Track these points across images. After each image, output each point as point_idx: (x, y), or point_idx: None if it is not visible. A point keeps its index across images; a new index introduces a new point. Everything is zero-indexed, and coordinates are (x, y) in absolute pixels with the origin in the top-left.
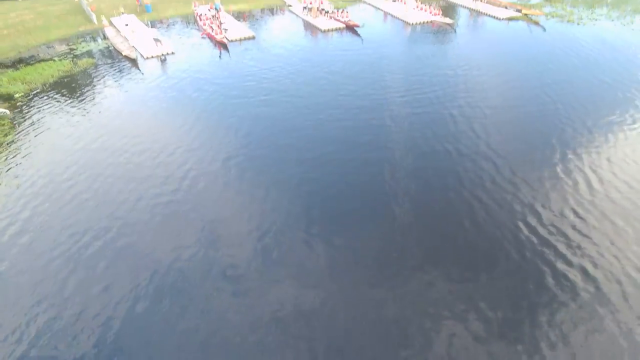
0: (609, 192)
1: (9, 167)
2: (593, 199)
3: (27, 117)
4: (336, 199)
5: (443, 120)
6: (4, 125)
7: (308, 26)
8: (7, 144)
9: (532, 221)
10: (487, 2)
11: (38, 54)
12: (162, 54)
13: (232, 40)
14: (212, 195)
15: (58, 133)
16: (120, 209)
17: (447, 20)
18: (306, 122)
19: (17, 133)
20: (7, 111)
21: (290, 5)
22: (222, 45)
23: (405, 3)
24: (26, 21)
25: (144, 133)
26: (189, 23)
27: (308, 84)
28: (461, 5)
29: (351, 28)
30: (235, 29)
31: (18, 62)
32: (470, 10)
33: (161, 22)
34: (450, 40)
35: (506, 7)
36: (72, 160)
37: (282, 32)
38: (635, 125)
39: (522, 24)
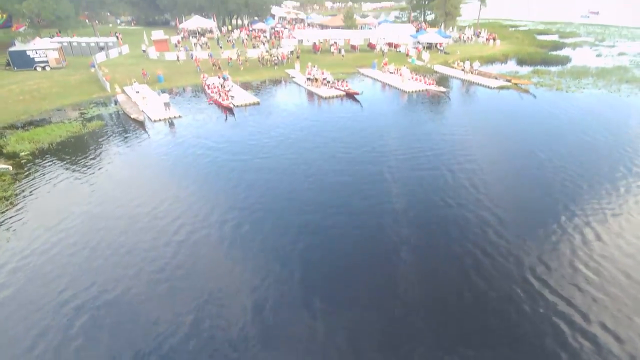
0: (613, 246)
1: (2, 220)
2: (599, 252)
3: (29, 174)
4: (338, 267)
5: (442, 177)
6: (4, 181)
7: (310, 94)
8: (5, 198)
9: (540, 277)
10: (478, 74)
11: (50, 118)
12: (170, 117)
13: (237, 106)
14: (207, 261)
15: (57, 191)
16: (111, 273)
17: (441, 88)
18: (307, 184)
19: (17, 189)
20: (10, 167)
21: (294, 77)
22: (228, 110)
23: (401, 74)
24: (43, 88)
25: (145, 194)
26: (197, 92)
27: (309, 147)
28: (454, 77)
29: (351, 95)
30: (240, 96)
31: (29, 124)
32: (463, 80)
33: (171, 90)
34: (445, 106)
35: (496, 78)
36: (68, 218)
37: (285, 99)
38: (628, 179)
39: (512, 92)
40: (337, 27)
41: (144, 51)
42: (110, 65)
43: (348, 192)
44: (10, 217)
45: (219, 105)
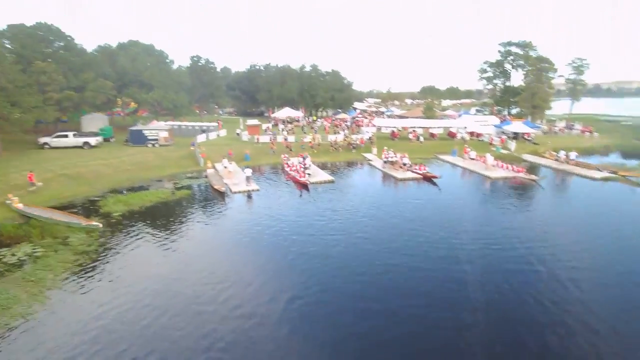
0: None
1: (83, 272)
2: None
3: (116, 232)
4: None
5: (535, 274)
6: (92, 236)
7: (386, 176)
8: (88, 252)
9: None
10: (575, 164)
11: (148, 185)
12: (249, 190)
13: (313, 183)
14: (267, 343)
15: (137, 251)
16: (175, 341)
17: (532, 176)
18: (375, 267)
19: (101, 245)
20: (100, 225)
21: (371, 160)
22: (303, 186)
23: (485, 161)
24: (148, 161)
25: (215, 263)
26: (277, 170)
27: (380, 228)
28: (546, 166)
29: (429, 179)
30: (317, 174)
31: (129, 190)
32: (557, 170)
33: (255, 168)
34: (537, 196)
35: (599, 169)
36: (141, 279)
37: (360, 179)
38: None
39: (620, 185)
40: (416, 118)
41: (237, 134)
42: (207, 145)
43: (420, 281)
44: (88, 271)
45: (296, 181)
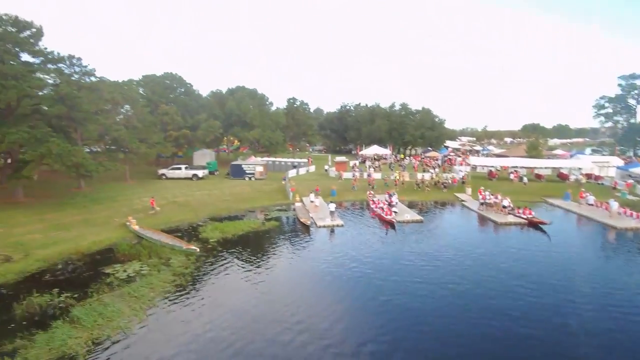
0: None
1: (177, 292)
2: None
3: (210, 257)
4: None
5: None
6: (190, 259)
7: (483, 219)
8: (185, 274)
9: None
10: None
11: (242, 215)
12: (333, 225)
13: (399, 222)
14: None
15: (228, 277)
16: None
17: None
18: (467, 325)
19: (198, 268)
20: (197, 249)
21: (464, 201)
22: (389, 225)
23: (607, 208)
24: (244, 193)
25: (295, 296)
26: (362, 206)
27: (474, 278)
28: None
29: (536, 225)
30: (404, 212)
31: (225, 218)
32: None
33: (340, 203)
34: None
35: None
36: (226, 305)
37: (451, 221)
38: None
39: None
40: (518, 157)
41: (326, 170)
42: (297, 179)
43: (528, 350)
44: (182, 292)
45: (381, 219)
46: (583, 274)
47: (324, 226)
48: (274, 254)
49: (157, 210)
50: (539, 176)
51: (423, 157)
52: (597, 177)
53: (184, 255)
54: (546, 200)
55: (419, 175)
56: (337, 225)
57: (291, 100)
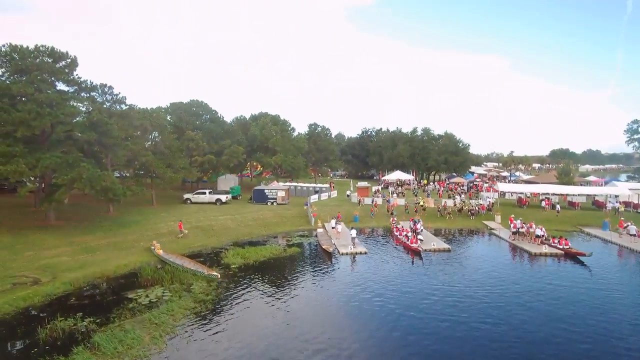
0: None
1: (198, 320)
2: None
3: (231, 284)
4: None
5: None
6: (211, 286)
7: (514, 249)
8: (205, 301)
9: None
10: None
11: (263, 240)
12: (355, 252)
13: (426, 250)
14: None
15: (246, 305)
16: None
17: None
18: None
19: (219, 295)
20: (218, 275)
21: (493, 229)
22: (415, 253)
23: None
24: (266, 218)
25: (315, 326)
26: (386, 233)
27: (511, 320)
28: None
29: (573, 256)
30: (430, 241)
31: (247, 244)
32: None
33: (362, 230)
34: None
35: None
36: (245, 334)
37: (481, 251)
38: None
39: None
40: (548, 183)
41: (348, 195)
42: (319, 205)
43: None
44: (202, 320)
45: (407, 247)
46: (632, 317)
47: (347, 253)
48: (295, 282)
49: (185, 233)
50: (572, 204)
51: (448, 183)
52: (636, 206)
53: (206, 281)
54: (582, 229)
55: (443, 202)
56: (360, 253)
57: (313, 126)
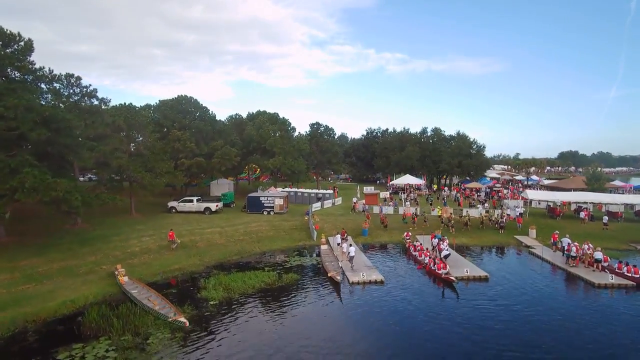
0: None
1: None
2: None
3: (202, 336)
4: None
5: None
6: (175, 338)
7: (569, 277)
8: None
9: None
10: None
11: (256, 261)
12: (369, 281)
13: (458, 279)
14: None
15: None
16: None
17: None
18: None
19: (181, 355)
20: (186, 323)
21: (532, 248)
22: (445, 283)
23: None
24: (261, 231)
25: None
26: (400, 250)
27: None
28: None
29: None
30: (461, 265)
31: (235, 266)
32: None
33: (373, 246)
34: None
35: None
36: None
37: (526, 279)
38: None
39: None
40: (570, 189)
41: (354, 203)
42: (322, 214)
43: None
44: None
45: (433, 274)
46: None
47: (359, 283)
48: (290, 331)
49: (179, 243)
50: (613, 214)
51: (464, 188)
52: None
53: (169, 330)
54: (636, 247)
55: (464, 211)
56: (376, 282)
57: (315, 126)
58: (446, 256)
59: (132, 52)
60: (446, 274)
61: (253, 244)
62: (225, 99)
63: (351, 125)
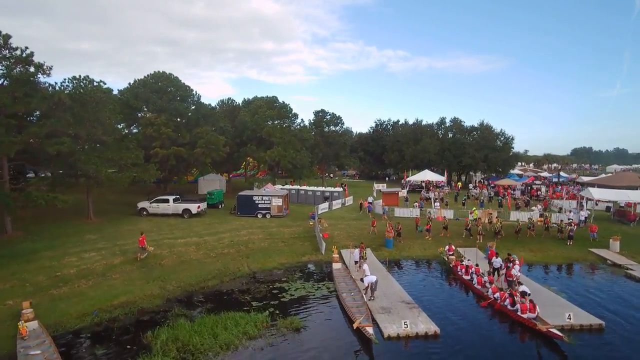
0: None
1: None
2: None
3: None
4: None
5: None
6: None
7: None
8: None
9: None
10: None
11: (242, 287)
12: (416, 334)
13: (557, 327)
14: None
15: None
16: None
17: None
18: None
19: None
20: None
21: (628, 268)
22: (543, 335)
23: None
24: (252, 241)
25: None
26: (441, 271)
27: None
28: None
29: None
30: (548, 303)
31: (210, 298)
32: None
33: (398, 265)
34: None
35: None
36: None
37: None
38: None
39: None
40: (622, 187)
41: (370, 203)
42: (331, 218)
43: None
44: None
45: (515, 318)
46: None
47: (399, 337)
48: None
49: (151, 250)
50: None
51: (493, 185)
52: None
53: None
54: None
55: (513, 215)
56: (427, 336)
57: (320, 114)
58: (524, 293)
59: (134, 50)
60: (533, 319)
61: (240, 260)
62: (226, 97)
63: (353, 122)
